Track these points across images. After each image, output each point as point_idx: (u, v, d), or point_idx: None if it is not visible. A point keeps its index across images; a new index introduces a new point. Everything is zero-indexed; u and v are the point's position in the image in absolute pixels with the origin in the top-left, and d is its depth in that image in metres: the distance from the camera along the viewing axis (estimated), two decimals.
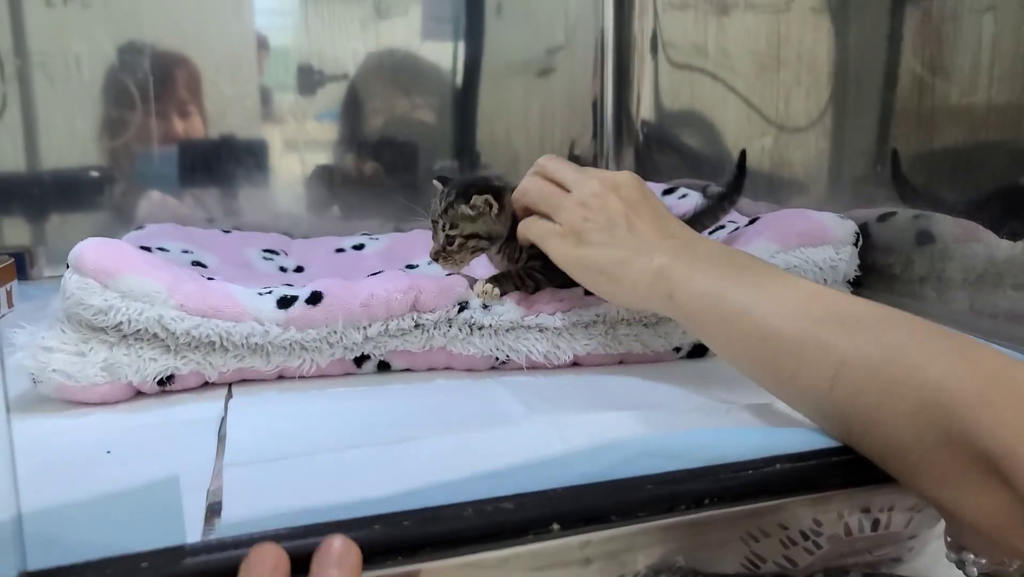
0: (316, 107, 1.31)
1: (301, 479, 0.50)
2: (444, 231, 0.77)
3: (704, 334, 0.65)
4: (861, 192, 0.93)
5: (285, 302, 0.70)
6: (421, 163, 1.34)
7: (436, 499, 0.44)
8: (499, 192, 0.79)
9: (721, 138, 1.20)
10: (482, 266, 0.82)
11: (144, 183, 1.24)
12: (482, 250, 0.80)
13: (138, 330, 0.67)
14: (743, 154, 0.90)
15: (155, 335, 0.67)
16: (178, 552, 0.40)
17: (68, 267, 0.68)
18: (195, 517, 0.46)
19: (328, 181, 1.30)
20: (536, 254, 0.78)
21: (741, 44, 1.13)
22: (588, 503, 0.46)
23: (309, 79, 1.30)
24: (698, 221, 0.87)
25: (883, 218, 0.89)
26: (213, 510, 0.47)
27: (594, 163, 1.44)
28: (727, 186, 0.89)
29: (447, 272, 0.79)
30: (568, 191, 0.75)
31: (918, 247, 0.85)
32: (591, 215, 0.72)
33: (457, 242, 0.77)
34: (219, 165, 1.23)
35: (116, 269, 0.67)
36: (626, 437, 0.54)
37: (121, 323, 0.66)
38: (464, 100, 1.37)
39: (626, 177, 0.74)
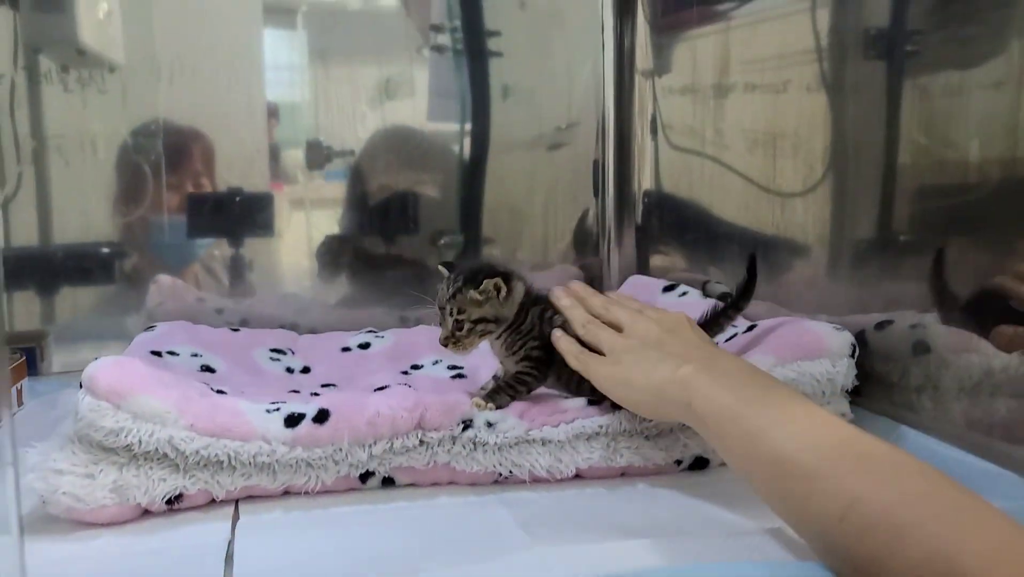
0: (323, 174, 1.35)
1: None
2: (452, 316, 0.80)
3: (720, 445, 0.67)
4: (859, 272, 0.95)
5: (292, 420, 0.71)
6: (426, 236, 1.37)
7: None
8: (507, 277, 0.82)
9: (719, 213, 1.22)
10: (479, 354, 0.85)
11: (156, 254, 1.27)
12: (489, 333, 0.82)
13: (148, 451, 0.68)
14: (752, 259, 0.90)
15: (165, 455, 0.68)
16: None
17: (80, 387, 0.69)
18: None
19: (335, 252, 1.33)
20: (535, 347, 0.82)
21: (738, 124, 1.16)
22: None
23: (318, 154, 1.34)
24: (707, 329, 0.87)
25: (880, 326, 0.90)
26: None
27: (596, 238, 1.47)
28: (736, 293, 0.89)
29: (456, 353, 0.83)
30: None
31: (914, 357, 0.86)
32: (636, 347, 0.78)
33: (466, 327, 0.81)
34: (228, 222, 1.27)
35: (128, 390, 0.68)
36: (630, 572, 0.54)
37: (132, 444, 0.67)
38: (470, 177, 1.41)
39: (681, 320, 0.81)
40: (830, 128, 0.99)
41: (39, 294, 1.26)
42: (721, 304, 0.90)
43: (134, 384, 0.69)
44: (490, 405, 0.78)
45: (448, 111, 1.39)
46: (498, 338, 0.83)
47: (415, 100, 1.39)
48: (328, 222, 1.35)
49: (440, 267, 0.86)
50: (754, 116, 1.14)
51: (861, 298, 0.95)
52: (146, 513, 0.70)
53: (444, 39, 1.39)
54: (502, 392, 0.81)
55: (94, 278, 1.28)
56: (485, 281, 0.80)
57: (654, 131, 1.40)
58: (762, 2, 1.12)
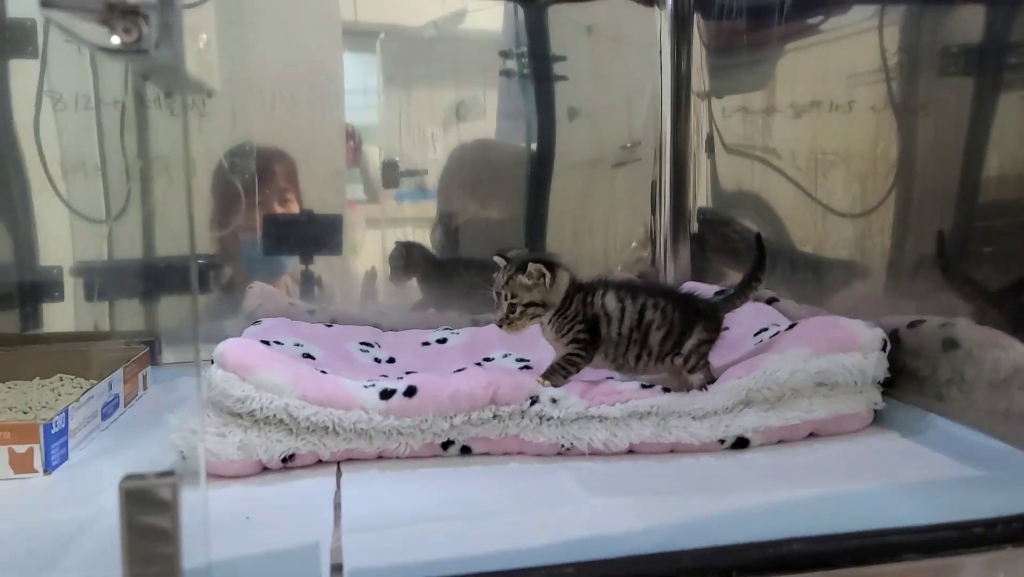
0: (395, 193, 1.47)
1: (407, 542, 0.63)
2: (507, 300, 0.92)
3: None
4: (902, 283, 1.03)
5: (386, 394, 0.84)
6: (493, 246, 1.48)
7: (514, 562, 0.56)
8: (551, 265, 0.94)
9: (772, 233, 1.31)
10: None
11: (248, 266, 1.40)
12: (538, 316, 0.93)
13: (268, 416, 0.81)
14: (759, 237, 1.03)
15: (281, 421, 0.81)
16: None
17: (212, 362, 0.83)
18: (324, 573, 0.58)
19: (408, 260, 1.44)
20: (581, 329, 0.93)
21: (797, 143, 1.24)
22: (641, 570, 0.57)
23: (392, 174, 1.46)
24: (731, 302, 1.00)
25: (913, 325, 0.99)
26: (336, 568, 0.60)
27: (652, 254, 1.57)
28: (751, 268, 1.01)
29: (510, 333, 0.94)
30: None
31: (944, 353, 0.95)
32: None
33: (518, 310, 0.92)
34: (301, 242, 1.40)
35: (252, 365, 0.82)
36: (672, 521, 0.65)
37: (254, 410, 0.81)
38: (536, 194, 1.51)
39: None
40: (893, 146, 1.06)
41: (143, 302, 1.41)
42: (744, 279, 1.01)
43: (257, 360, 0.82)
44: (547, 382, 0.90)
45: (516, 132, 1.51)
46: (548, 323, 0.94)
47: (485, 122, 1.51)
48: (401, 236, 1.47)
49: (496, 257, 0.98)
50: (812, 136, 1.22)
51: (896, 303, 1.03)
52: (265, 470, 0.83)
53: (512, 64, 1.51)
54: (556, 372, 0.92)
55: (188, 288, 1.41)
56: (531, 266, 0.92)
57: (709, 150, 1.50)
58: (829, 22, 1.19)
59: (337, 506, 0.73)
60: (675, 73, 1.54)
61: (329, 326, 1.24)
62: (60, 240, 1.34)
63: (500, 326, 0.94)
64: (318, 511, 0.72)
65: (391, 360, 1.14)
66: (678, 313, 0.95)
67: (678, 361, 0.94)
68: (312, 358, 1.05)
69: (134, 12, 0.42)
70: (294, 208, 1.40)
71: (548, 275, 0.93)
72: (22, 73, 1.30)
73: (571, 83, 1.51)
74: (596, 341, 0.94)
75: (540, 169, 1.51)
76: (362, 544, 0.63)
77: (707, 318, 0.96)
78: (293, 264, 1.42)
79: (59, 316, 1.34)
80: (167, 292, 1.40)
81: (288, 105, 1.39)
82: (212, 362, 0.84)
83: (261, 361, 0.83)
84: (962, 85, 0.95)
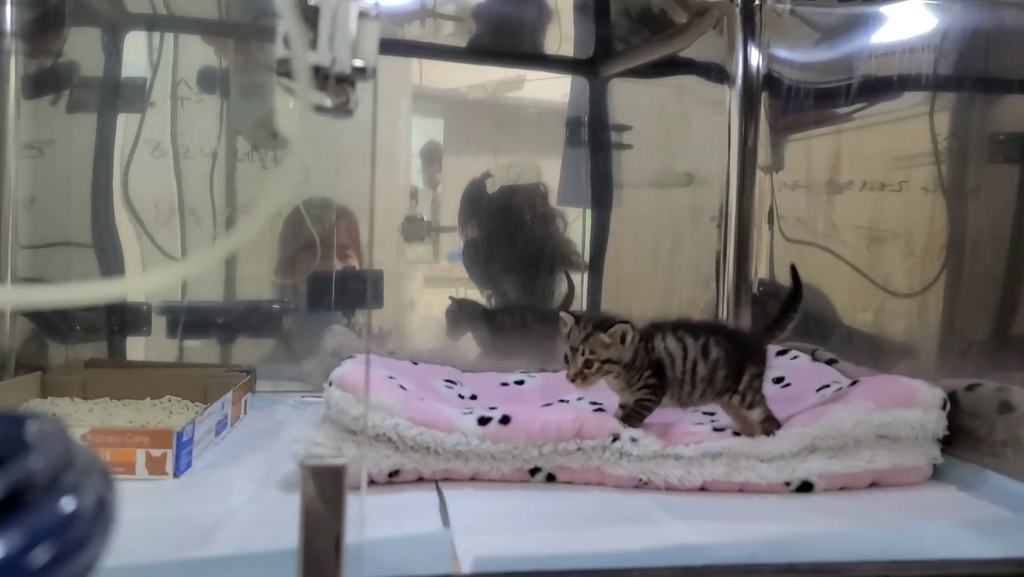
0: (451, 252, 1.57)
1: (513, 542, 0.71)
2: (584, 355, 0.97)
3: None
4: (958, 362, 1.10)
5: (483, 421, 0.93)
6: (551, 313, 1.56)
7: (613, 562, 0.64)
8: (631, 326, 0.99)
9: (829, 303, 1.38)
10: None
11: (313, 314, 1.51)
12: (611, 372, 0.99)
13: (379, 434, 0.90)
14: (793, 268, 1.11)
15: (389, 439, 0.90)
16: None
17: (331, 384, 0.93)
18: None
19: (457, 318, 1.54)
20: (649, 375, 0.99)
21: (851, 218, 1.33)
22: None
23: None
24: (770, 333, 1.09)
25: (970, 388, 1.05)
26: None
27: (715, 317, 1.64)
28: (787, 298, 1.10)
29: (581, 388, 1.00)
30: None
31: (1000, 415, 1.01)
32: None
33: (595, 366, 0.97)
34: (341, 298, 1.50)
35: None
36: (752, 540, 0.72)
37: (367, 427, 0.90)
38: (593, 265, 1.61)
39: None
40: (944, 227, 1.14)
41: (219, 341, 1.52)
42: (782, 308, 1.10)
43: (371, 383, 0.92)
44: (627, 427, 0.97)
45: (577, 197, 1.61)
46: (616, 377, 1.00)
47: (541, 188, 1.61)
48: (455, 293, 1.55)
49: (563, 313, 1.03)
50: (865, 213, 1.31)
51: (953, 368, 1.10)
52: (373, 483, 0.91)
53: (579, 132, 1.62)
54: (632, 417, 1.00)
55: (264, 329, 1.53)
56: (617, 326, 0.97)
57: (771, 222, 1.58)
58: (879, 106, 1.30)
59: (444, 513, 0.82)
60: (741, 147, 1.64)
61: (415, 364, 1.33)
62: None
63: (573, 381, 0.98)
64: (427, 514, 0.80)
65: (474, 397, 1.23)
66: (732, 348, 1.02)
67: (735, 399, 1.02)
68: (404, 389, 1.15)
69: (348, 80, 0.53)
70: (352, 262, 1.51)
71: (631, 335, 0.99)
72: (126, 123, 1.45)
73: (636, 152, 1.61)
74: (664, 384, 1.01)
75: (597, 239, 1.60)
76: (473, 542, 0.71)
77: (753, 352, 1.04)
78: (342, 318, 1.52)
79: (143, 350, 1.46)
80: (245, 332, 1.51)
81: (358, 164, 1.51)
82: (331, 384, 0.93)
83: (374, 384, 0.92)
84: (1010, 171, 1.03)
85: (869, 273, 1.28)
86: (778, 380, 1.25)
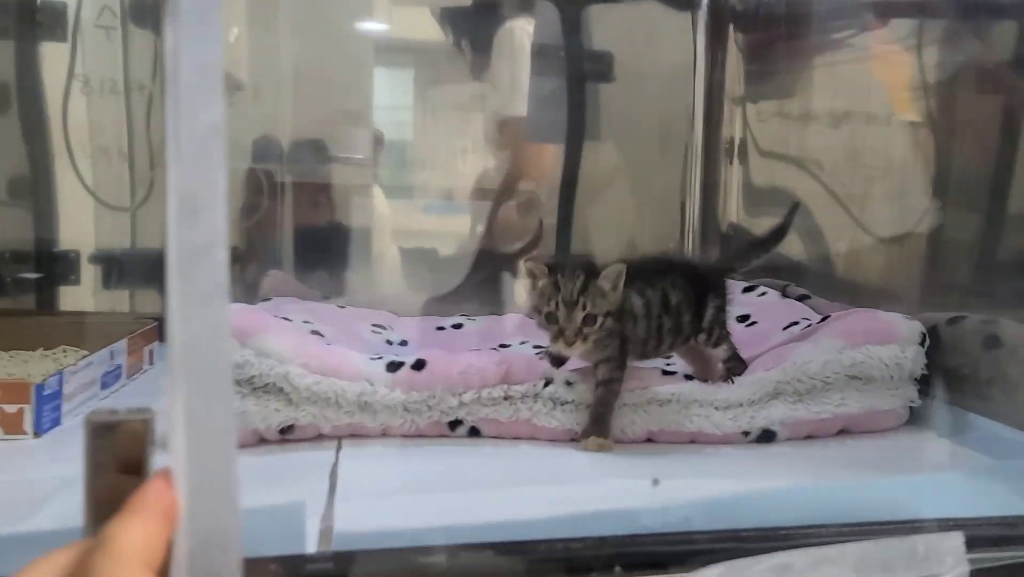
0: (423, 201, 1.44)
1: (401, 510, 0.59)
2: (584, 310, 0.78)
3: None
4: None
5: (393, 366, 0.80)
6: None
7: (511, 535, 0.52)
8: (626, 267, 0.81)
9: (804, 240, 1.26)
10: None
11: (271, 258, 1.37)
12: (608, 328, 0.80)
13: (267, 384, 0.77)
14: (793, 208, 1.00)
15: (281, 389, 0.78)
16: (300, 559, 0.49)
17: None
18: (312, 536, 0.54)
19: (427, 267, 1.41)
20: (611, 356, 0.81)
21: (831, 153, 1.20)
22: (650, 549, 0.52)
23: (419, 180, 1.43)
24: (729, 263, 0.98)
25: (952, 321, 0.93)
26: (325, 532, 0.56)
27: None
28: (768, 235, 0.97)
29: (577, 351, 0.80)
30: None
31: (986, 351, 0.89)
32: None
33: (598, 322, 0.79)
34: (332, 247, 1.37)
35: (253, 330, 0.78)
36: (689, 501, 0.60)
37: (254, 376, 0.77)
38: (564, 196, 1.47)
39: None
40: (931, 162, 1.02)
41: (161, 290, 1.38)
42: (754, 242, 0.98)
43: (258, 326, 0.79)
44: (592, 441, 0.78)
45: (545, 132, 1.47)
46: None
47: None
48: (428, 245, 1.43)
49: (527, 264, 0.82)
50: (847, 146, 1.17)
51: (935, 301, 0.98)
52: (262, 441, 0.79)
53: (544, 61, 1.47)
54: (600, 419, 0.80)
55: None
56: (611, 267, 0.79)
57: (742, 156, 1.45)
58: (863, 36, 1.16)
59: (334, 475, 0.69)
60: (708, 77, 1.50)
61: (342, 307, 1.20)
62: (80, 224, 1.33)
63: (570, 344, 0.78)
64: (313, 479, 0.68)
65: (403, 343, 1.10)
66: (690, 284, 0.89)
67: (701, 338, 0.89)
68: (320, 335, 1.02)
69: None
70: (323, 210, 1.38)
71: (623, 279, 0.80)
72: (53, 57, 1.29)
73: (604, 83, 1.47)
74: (624, 351, 0.83)
75: (568, 171, 1.47)
76: (355, 511, 0.59)
77: (712, 283, 0.91)
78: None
79: (76, 300, 1.33)
80: None
81: (316, 102, 1.37)
82: None
83: (262, 326, 0.79)
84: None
85: (850, 209, 1.15)
86: (743, 318, 1.12)
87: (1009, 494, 0.62)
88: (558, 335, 0.78)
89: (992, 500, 0.60)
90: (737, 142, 1.46)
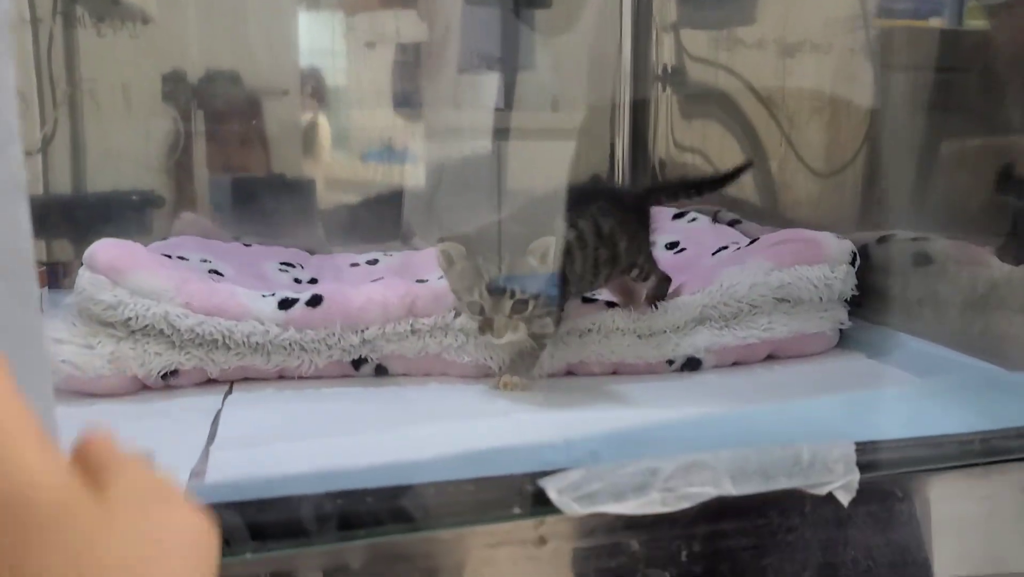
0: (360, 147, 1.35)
1: (281, 461, 0.53)
2: (513, 297, 0.68)
3: None
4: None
5: (286, 304, 0.73)
6: None
7: (399, 478, 0.46)
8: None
9: (733, 153, 1.21)
10: None
11: (186, 205, 1.28)
12: (545, 309, 0.71)
13: (145, 326, 0.70)
14: (747, 166, 0.96)
15: (161, 331, 0.70)
16: None
17: (82, 265, 0.72)
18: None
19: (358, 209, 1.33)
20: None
21: (762, 82, 1.14)
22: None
23: (347, 120, 1.34)
24: (654, 195, 0.94)
25: (882, 240, 0.89)
26: (193, 485, 0.50)
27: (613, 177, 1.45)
28: (704, 180, 0.95)
29: (503, 342, 0.70)
30: None
31: (916, 268, 0.85)
32: None
33: (530, 305, 0.69)
34: (253, 188, 1.27)
35: (127, 267, 0.71)
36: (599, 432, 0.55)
37: (129, 318, 0.70)
38: (498, 133, 1.39)
39: None
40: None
41: (72, 240, 1.28)
42: (685, 183, 0.93)
43: (133, 262, 0.71)
44: (515, 380, 0.71)
45: (477, 62, 1.38)
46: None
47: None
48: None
49: (444, 245, 0.71)
50: (783, 75, 1.11)
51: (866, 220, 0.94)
52: (145, 389, 0.72)
53: None
54: (526, 358, 0.73)
55: (126, 225, 1.29)
56: (539, 241, 0.69)
57: (675, 82, 1.39)
58: None
59: (215, 423, 0.63)
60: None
61: (248, 245, 1.12)
62: None
63: (500, 336, 0.68)
64: (191, 429, 0.61)
65: (313, 281, 1.03)
66: (622, 212, 0.82)
67: (635, 273, 0.82)
68: (220, 275, 0.94)
69: None
70: (248, 150, 1.28)
71: (552, 249, 0.70)
72: None
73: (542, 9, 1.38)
74: (566, 286, 0.74)
75: (505, 100, 1.39)
76: (230, 460, 0.53)
77: (637, 211, 0.85)
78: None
79: None
80: (98, 227, 1.28)
81: (230, 33, 1.27)
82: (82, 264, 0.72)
83: (138, 263, 0.71)
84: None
85: (787, 136, 1.10)
86: (672, 245, 1.08)
87: (932, 411, 0.58)
88: (485, 327, 0.69)
89: (915, 419, 0.56)
90: (669, 70, 1.39)
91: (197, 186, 1.28)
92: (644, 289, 0.84)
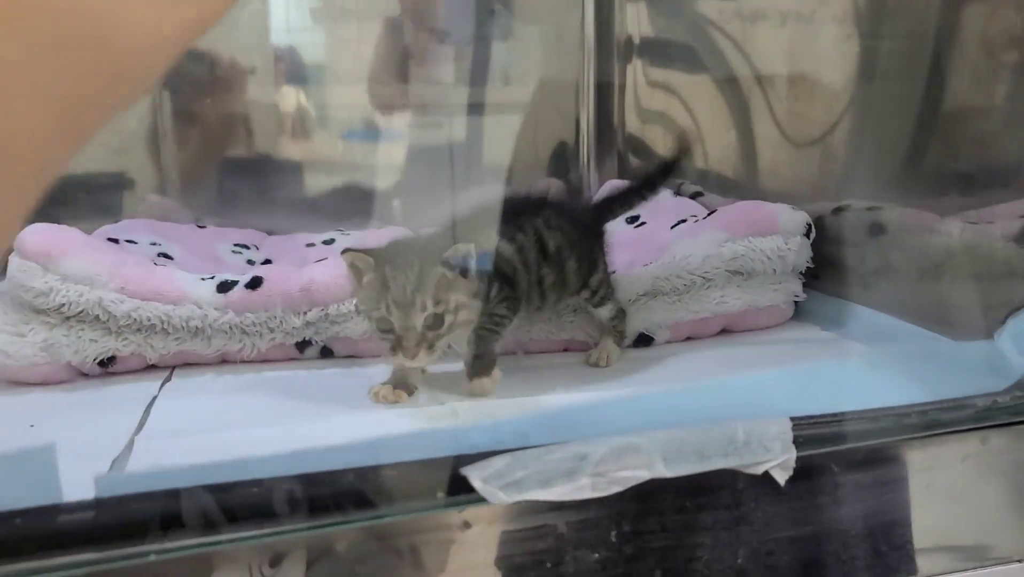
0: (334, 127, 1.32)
1: (204, 452, 0.52)
2: (425, 311, 0.59)
3: None
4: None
5: (225, 286, 0.72)
6: None
7: (318, 465, 0.45)
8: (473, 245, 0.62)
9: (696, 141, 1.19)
10: None
11: (154, 187, 1.25)
12: (470, 323, 0.63)
13: (80, 312, 0.68)
14: (680, 142, 0.92)
15: (96, 317, 0.69)
16: (52, 510, 0.41)
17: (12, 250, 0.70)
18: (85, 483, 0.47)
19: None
20: (499, 292, 0.65)
21: (720, 51, 1.12)
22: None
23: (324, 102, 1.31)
24: (610, 210, 0.81)
25: (837, 211, 0.88)
26: (111, 476, 0.49)
27: (577, 169, 1.44)
28: (650, 173, 0.82)
29: (425, 362, 0.61)
30: None
31: (871, 239, 0.84)
32: None
33: (447, 321, 0.60)
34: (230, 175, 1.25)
35: (58, 252, 0.69)
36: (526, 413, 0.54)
37: (62, 305, 0.68)
38: (472, 109, 1.37)
39: None
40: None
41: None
42: (638, 184, 0.81)
43: (64, 247, 0.69)
44: (478, 381, 0.64)
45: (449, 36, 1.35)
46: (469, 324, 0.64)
47: None
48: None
49: (350, 255, 0.62)
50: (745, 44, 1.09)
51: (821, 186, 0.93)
52: (83, 376, 0.70)
53: None
54: (483, 357, 0.65)
55: (97, 209, 1.26)
56: (457, 247, 0.60)
57: (642, 54, 1.36)
58: None
59: (148, 411, 0.62)
60: None
61: (202, 227, 1.10)
62: None
63: (412, 356, 0.59)
64: (123, 417, 0.60)
65: (267, 262, 1.01)
66: (571, 226, 0.73)
67: (584, 295, 0.74)
68: (169, 258, 0.92)
69: None
70: (221, 131, 1.25)
71: (474, 255, 0.61)
72: None
73: None
74: (517, 295, 0.68)
75: (478, 72, 1.37)
76: (156, 449, 0.52)
77: (589, 228, 0.76)
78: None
79: None
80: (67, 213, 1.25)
81: None
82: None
83: (70, 248, 0.69)
84: None
85: (745, 110, 1.08)
86: (632, 220, 1.06)
87: (873, 384, 0.57)
88: (396, 345, 0.60)
89: (855, 392, 0.55)
90: (636, 43, 1.37)
91: (165, 168, 1.25)
92: (602, 320, 0.76)
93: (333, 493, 0.44)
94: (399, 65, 1.32)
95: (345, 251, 0.62)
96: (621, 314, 0.76)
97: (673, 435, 0.48)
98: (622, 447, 0.47)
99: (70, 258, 0.69)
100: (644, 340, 0.79)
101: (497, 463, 0.45)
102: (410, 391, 0.64)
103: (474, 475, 0.45)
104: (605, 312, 0.75)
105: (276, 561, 0.44)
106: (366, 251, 0.62)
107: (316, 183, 1.31)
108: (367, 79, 1.30)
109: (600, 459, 0.46)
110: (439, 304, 0.59)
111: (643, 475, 0.47)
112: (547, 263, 0.70)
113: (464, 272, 0.61)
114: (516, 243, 0.69)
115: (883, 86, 0.86)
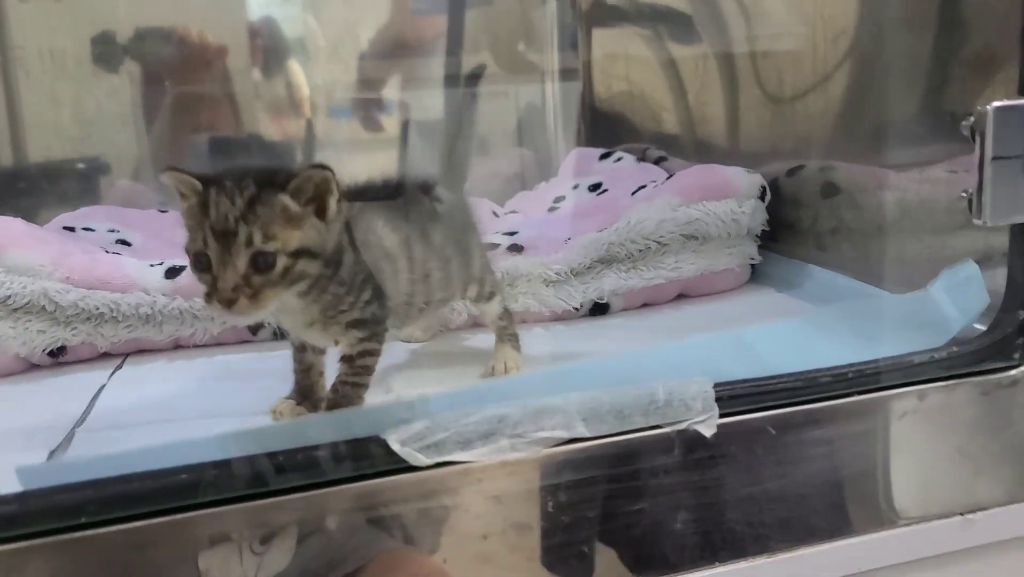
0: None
1: (147, 437, 0.52)
2: (250, 246, 0.46)
3: None
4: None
5: (173, 272, 0.71)
6: None
7: (244, 450, 0.45)
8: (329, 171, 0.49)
9: (658, 105, 1.18)
10: None
11: (129, 172, 1.24)
12: (308, 277, 0.49)
13: (27, 303, 0.68)
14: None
15: (43, 308, 0.69)
16: None
17: None
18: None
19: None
20: (368, 300, 0.53)
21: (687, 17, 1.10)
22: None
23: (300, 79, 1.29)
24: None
25: (792, 172, 0.88)
26: (43, 468, 0.49)
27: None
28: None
29: (243, 317, 0.49)
30: None
31: (824, 199, 0.84)
32: None
33: (280, 264, 0.47)
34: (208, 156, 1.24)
35: (2, 244, 0.68)
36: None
37: (8, 297, 0.68)
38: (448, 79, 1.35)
39: None
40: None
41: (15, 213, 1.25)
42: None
43: (7, 239, 0.69)
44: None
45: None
46: (311, 291, 0.50)
47: None
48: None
49: (171, 175, 0.48)
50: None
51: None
52: (34, 367, 0.70)
53: None
54: (350, 394, 0.54)
55: (74, 194, 1.25)
56: (307, 173, 0.48)
57: (601, 21, 1.34)
58: None
59: (93, 401, 0.62)
60: None
61: (164, 212, 1.10)
62: None
63: (227, 304, 0.46)
64: (66, 408, 0.60)
65: None
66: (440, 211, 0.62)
67: (472, 291, 0.65)
68: (128, 244, 0.92)
69: None
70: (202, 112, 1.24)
71: (336, 194, 0.49)
72: None
73: None
74: (385, 311, 0.56)
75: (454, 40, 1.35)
76: (96, 441, 0.52)
77: (459, 208, 0.66)
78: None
79: None
80: (41, 199, 1.24)
81: None
82: None
83: (12, 239, 0.69)
84: None
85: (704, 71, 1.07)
86: (595, 187, 1.06)
87: (819, 342, 0.57)
88: (211, 290, 0.47)
89: (805, 351, 0.55)
90: (601, 9, 1.35)
91: (140, 152, 1.24)
92: (491, 317, 0.68)
93: (262, 472, 0.45)
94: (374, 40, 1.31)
95: (167, 169, 0.48)
96: (507, 313, 0.68)
97: (592, 396, 0.48)
98: (540, 409, 0.47)
99: (12, 250, 0.69)
100: (599, 309, 0.79)
101: (416, 426, 0.45)
102: (315, 404, 0.56)
103: (392, 438, 0.45)
104: (493, 308, 0.67)
105: (267, 539, 0.45)
106: (194, 173, 0.48)
107: (289, 163, 1.30)
108: (344, 54, 1.29)
109: (518, 420, 0.47)
110: (271, 241, 0.47)
111: (562, 435, 0.47)
112: (433, 257, 0.60)
113: (320, 210, 0.49)
114: (400, 233, 0.58)
115: (840, 43, 0.85)
